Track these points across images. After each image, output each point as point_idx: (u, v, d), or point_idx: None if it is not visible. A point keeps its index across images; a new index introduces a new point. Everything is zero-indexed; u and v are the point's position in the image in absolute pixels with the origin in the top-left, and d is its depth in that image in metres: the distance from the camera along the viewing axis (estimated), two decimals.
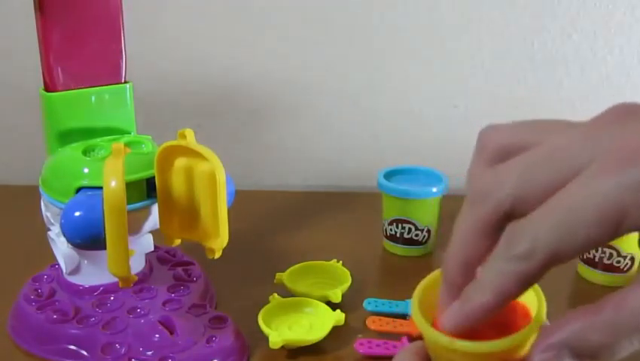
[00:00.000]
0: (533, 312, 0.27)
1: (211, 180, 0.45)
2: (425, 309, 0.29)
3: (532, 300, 0.28)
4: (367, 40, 0.86)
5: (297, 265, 0.62)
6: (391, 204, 0.69)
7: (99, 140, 0.51)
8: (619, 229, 0.23)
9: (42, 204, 0.52)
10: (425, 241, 0.69)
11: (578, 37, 0.84)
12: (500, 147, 0.28)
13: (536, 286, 0.27)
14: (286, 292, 0.58)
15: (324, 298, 0.57)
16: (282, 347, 0.50)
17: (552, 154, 0.24)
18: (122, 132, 0.54)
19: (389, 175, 0.71)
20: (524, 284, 0.24)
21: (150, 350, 0.48)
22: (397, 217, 0.69)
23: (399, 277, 0.67)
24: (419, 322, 0.29)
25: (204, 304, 0.54)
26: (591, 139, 0.24)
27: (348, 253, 0.66)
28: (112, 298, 0.53)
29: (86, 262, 0.53)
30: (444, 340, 0.27)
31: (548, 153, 0.24)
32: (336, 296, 0.57)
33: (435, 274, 0.31)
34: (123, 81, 0.53)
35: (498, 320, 0.27)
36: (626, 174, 0.22)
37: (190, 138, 0.45)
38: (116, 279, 0.46)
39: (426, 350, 0.31)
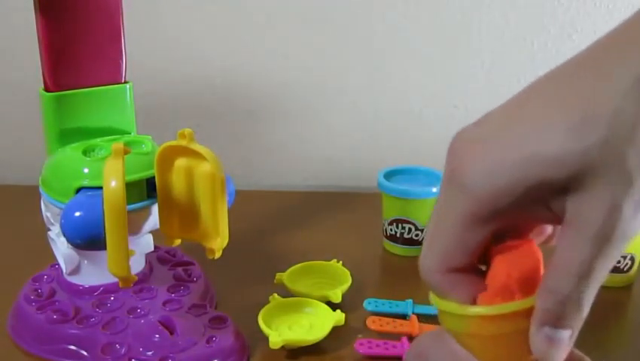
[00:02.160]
0: None
1: (211, 180, 0.45)
2: None
3: None
4: (367, 40, 0.86)
5: (297, 265, 0.62)
6: (391, 204, 0.69)
7: (99, 140, 0.51)
8: None
9: (42, 204, 0.52)
10: None
11: (578, 37, 0.84)
12: None
13: None
14: (286, 292, 0.58)
15: (324, 298, 0.57)
16: (282, 347, 0.50)
17: None
18: (122, 132, 0.54)
19: (389, 175, 0.71)
20: None
21: (150, 350, 0.48)
22: (397, 217, 0.69)
23: (399, 277, 0.67)
24: (435, 300, 0.29)
25: (204, 304, 0.54)
26: None
27: (348, 253, 0.66)
28: (112, 298, 0.53)
29: (86, 262, 0.53)
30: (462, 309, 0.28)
31: None
32: (336, 296, 0.57)
33: None
34: (123, 81, 0.53)
35: None
36: None
37: (190, 138, 0.45)
38: (116, 279, 0.46)
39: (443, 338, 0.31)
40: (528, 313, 0.27)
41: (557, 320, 0.26)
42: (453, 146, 0.29)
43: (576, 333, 0.27)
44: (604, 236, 0.25)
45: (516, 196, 0.26)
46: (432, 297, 0.30)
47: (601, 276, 0.26)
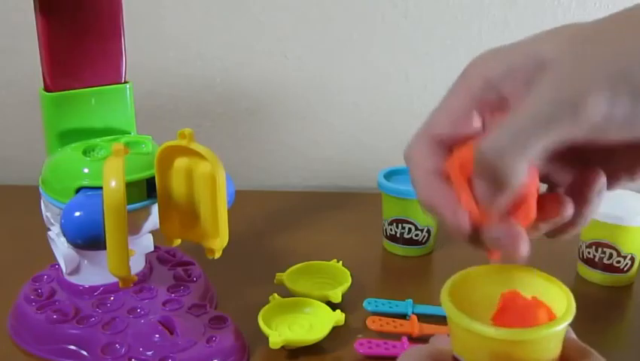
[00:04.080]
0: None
1: (211, 180, 0.45)
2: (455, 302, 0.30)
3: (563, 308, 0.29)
4: (366, 40, 0.86)
5: (297, 265, 0.62)
6: (391, 204, 0.69)
7: (99, 140, 0.51)
8: None
9: (42, 204, 0.52)
10: (425, 241, 0.69)
11: None
12: None
13: (568, 292, 0.29)
14: (286, 292, 0.58)
15: (324, 298, 0.57)
16: (282, 347, 0.50)
17: None
18: (122, 132, 0.54)
19: (389, 175, 0.71)
20: None
21: (150, 350, 0.48)
22: (397, 217, 0.69)
23: (399, 277, 0.67)
24: (445, 304, 0.30)
25: (204, 304, 0.54)
26: None
27: (348, 253, 0.66)
28: (112, 298, 0.53)
29: (86, 262, 0.53)
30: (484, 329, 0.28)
31: None
32: (336, 296, 0.57)
33: (463, 272, 0.32)
34: (123, 81, 0.53)
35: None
36: None
37: (190, 138, 0.45)
38: (116, 279, 0.46)
39: (435, 347, 0.31)
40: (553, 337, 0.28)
41: (493, 151, 0.28)
42: (468, 64, 0.32)
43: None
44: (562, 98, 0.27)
45: (501, 70, 0.30)
46: (446, 304, 0.30)
47: (530, 143, 0.27)
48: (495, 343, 0.27)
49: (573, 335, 0.31)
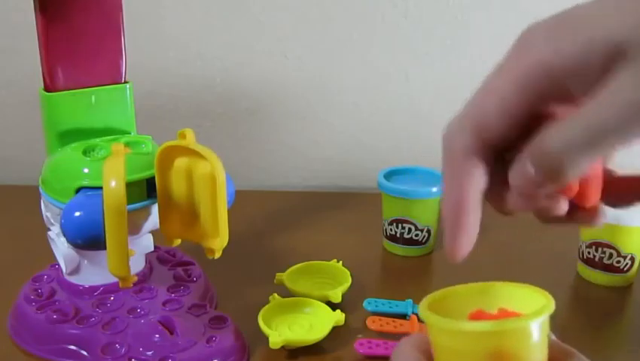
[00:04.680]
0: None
1: (211, 180, 0.45)
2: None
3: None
4: (366, 40, 0.86)
5: (297, 265, 0.62)
6: (391, 204, 0.69)
7: (98, 140, 0.51)
8: None
9: (42, 204, 0.52)
10: (425, 241, 0.69)
11: None
12: None
13: (549, 297, 0.29)
14: (286, 292, 0.58)
15: (324, 298, 0.57)
16: (282, 347, 0.50)
17: None
18: (122, 132, 0.54)
19: (389, 175, 0.71)
20: None
21: (150, 350, 0.48)
22: (397, 217, 0.69)
23: (399, 277, 0.67)
24: (423, 311, 0.29)
25: (204, 304, 0.54)
26: None
27: (348, 253, 0.66)
28: (112, 298, 0.53)
29: (86, 262, 0.53)
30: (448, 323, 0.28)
31: None
32: (336, 296, 0.57)
33: (442, 291, 0.32)
34: (123, 81, 0.53)
35: None
36: None
37: (190, 138, 0.45)
38: (116, 279, 0.46)
39: (426, 343, 0.31)
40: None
41: (562, 148, 0.26)
42: (522, 33, 0.31)
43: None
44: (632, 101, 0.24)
45: (574, 58, 0.26)
46: (423, 312, 0.29)
47: (603, 142, 0.25)
48: (480, 340, 0.27)
49: (554, 338, 0.31)
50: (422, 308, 0.30)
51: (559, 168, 0.26)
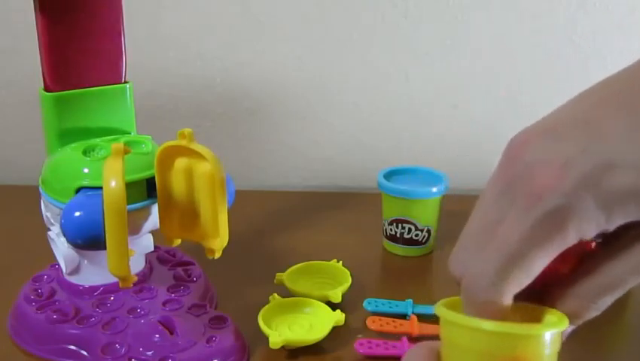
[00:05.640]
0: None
1: (211, 180, 0.45)
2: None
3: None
4: (366, 40, 0.86)
5: (297, 265, 0.62)
6: (391, 204, 0.69)
7: (99, 140, 0.51)
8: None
9: (42, 204, 0.52)
10: (425, 241, 0.69)
11: (578, 37, 0.84)
12: None
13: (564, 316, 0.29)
14: (286, 292, 0.58)
15: (324, 298, 0.57)
16: (282, 347, 0.50)
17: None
18: (122, 132, 0.54)
19: (389, 175, 0.71)
20: None
21: (150, 350, 0.48)
22: (397, 217, 0.69)
23: (399, 277, 0.67)
24: (441, 310, 0.30)
25: (204, 304, 0.54)
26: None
27: (348, 253, 0.66)
28: (112, 298, 0.53)
29: (86, 262, 0.53)
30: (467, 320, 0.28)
31: None
32: (336, 296, 0.57)
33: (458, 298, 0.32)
34: (123, 81, 0.53)
35: None
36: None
37: (190, 138, 0.45)
38: (116, 279, 0.46)
39: (435, 350, 0.31)
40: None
41: (574, 320, 0.29)
42: (515, 155, 0.28)
43: None
44: None
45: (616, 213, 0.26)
46: (441, 310, 0.29)
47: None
48: (499, 341, 0.27)
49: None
50: (439, 307, 0.30)
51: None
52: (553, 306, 0.30)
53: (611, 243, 0.28)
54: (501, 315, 0.28)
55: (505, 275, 0.27)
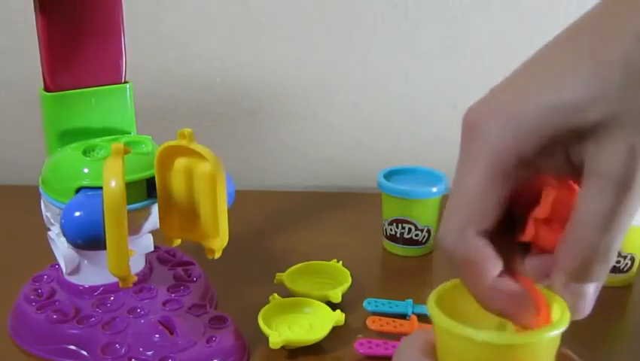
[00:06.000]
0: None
1: (211, 180, 0.45)
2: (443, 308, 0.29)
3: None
4: (366, 40, 0.86)
5: (297, 265, 0.62)
6: (391, 204, 0.69)
7: (99, 140, 0.51)
8: None
9: (42, 204, 0.52)
10: (425, 241, 0.69)
11: None
12: None
13: (563, 303, 0.28)
14: (286, 292, 0.58)
15: (324, 298, 0.56)
16: (282, 347, 0.50)
17: None
18: (122, 132, 0.54)
19: (389, 175, 0.71)
20: None
21: (150, 350, 0.48)
22: (397, 217, 0.69)
23: (399, 277, 0.67)
24: (432, 310, 0.29)
25: (204, 304, 0.54)
26: None
27: (348, 253, 0.66)
28: (112, 298, 0.53)
29: (86, 262, 0.53)
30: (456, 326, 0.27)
31: None
32: (336, 296, 0.57)
33: (451, 282, 0.31)
34: (123, 81, 0.53)
35: None
36: None
37: (190, 138, 0.45)
38: (116, 279, 0.46)
39: (427, 341, 0.30)
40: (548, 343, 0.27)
41: (584, 275, 0.27)
42: (467, 115, 0.29)
43: (601, 284, 0.27)
44: (625, 183, 0.25)
45: (537, 145, 0.26)
46: (433, 310, 0.29)
47: (626, 225, 0.26)
48: (488, 349, 0.27)
49: (569, 352, 0.31)
50: (431, 305, 0.29)
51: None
52: (561, 268, 0.28)
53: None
54: (490, 275, 0.27)
55: (464, 217, 0.28)
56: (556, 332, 0.27)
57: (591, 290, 0.27)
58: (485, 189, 0.27)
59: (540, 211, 0.28)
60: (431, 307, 0.29)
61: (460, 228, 0.28)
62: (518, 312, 0.28)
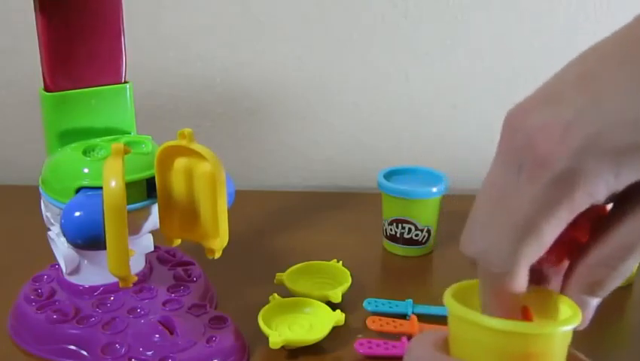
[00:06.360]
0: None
1: (211, 180, 0.45)
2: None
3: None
4: (366, 40, 0.86)
5: (297, 265, 0.62)
6: (391, 204, 0.69)
7: (99, 140, 0.51)
8: None
9: (42, 204, 0.52)
10: (425, 241, 0.69)
11: (578, 38, 0.84)
12: None
13: (575, 306, 0.29)
14: (286, 292, 0.58)
15: (324, 298, 0.56)
16: (282, 347, 0.50)
17: None
18: (122, 132, 0.54)
19: (389, 175, 0.71)
20: None
21: (150, 350, 0.48)
22: (397, 217, 0.69)
23: (399, 277, 0.67)
24: (450, 303, 0.29)
25: (204, 304, 0.54)
26: None
27: (348, 253, 0.66)
28: (112, 298, 0.53)
29: (86, 262, 0.53)
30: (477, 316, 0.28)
31: None
32: (336, 296, 0.57)
33: (466, 283, 0.32)
34: (123, 81, 0.53)
35: None
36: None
37: (190, 138, 0.45)
38: (116, 279, 0.46)
39: (442, 339, 0.30)
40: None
41: (598, 290, 0.28)
42: (515, 125, 0.27)
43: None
44: None
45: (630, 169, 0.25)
46: (449, 301, 0.29)
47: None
48: (501, 339, 0.27)
49: (578, 353, 0.31)
50: (448, 298, 0.30)
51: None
52: (577, 280, 0.29)
53: (623, 203, 0.27)
54: (517, 296, 0.28)
55: (518, 245, 0.27)
56: (570, 327, 0.28)
57: (595, 302, 0.29)
58: (557, 224, 0.26)
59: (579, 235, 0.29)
60: (447, 299, 0.30)
61: (512, 253, 0.27)
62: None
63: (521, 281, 0.28)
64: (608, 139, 0.24)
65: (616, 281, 0.27)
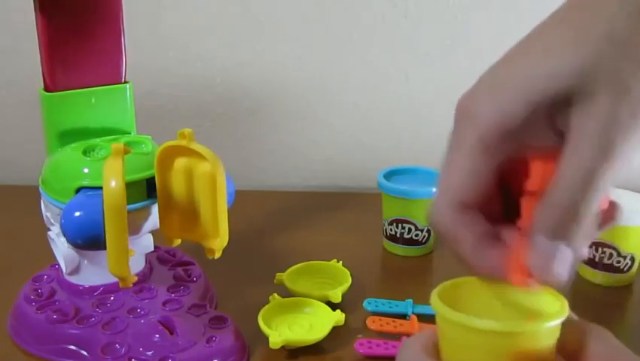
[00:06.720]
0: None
1: (211, 180, 0.45)
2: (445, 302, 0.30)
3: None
4: (366, 40, 0.86)
5: (297, 265, 0.62)
6: (391, 204, 0.69)
7: (99, 140, 0.51)
8: None
9: (42, 204, 0.52)
10: (425, 241, 0.69)
11: None
12: None
13: (562, 297, 0.29)
14: (286, 292, 0.58)
15: (324, 298, 0.57)
16: (282, 347, 0.50)
17: None
18: (122, 132, 0.54)
19: (389, 175, 0.71)
20: None
21: (150, 350, 0.48)
22: (397, 217, 0.69)
23: (399, 277, 0.67)
24: (436, 304, 0.30)
25: (204, 304, 0.54)
26: None
27: (348, 253, 0.66)
28: (112, 298, 0.53)
29: (86, 262, 0.53)
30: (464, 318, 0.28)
31: None
32: (336, 296, 0.57)
33: (453, 281, 0.32)
34: (123, 81, 0.53)
35: None
36: None
37: (190, 138, 0.45)
38: (116, 279, 0.46)
39: (431, 341, 0.31)
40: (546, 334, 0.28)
41: (557, 233, 0.27)
42: (459, 102, 0.31)
43: (578, 251, 0.28)
44: (604, 145, 0.25)
45: (521, 115, 0.27)
46: (435, 302, 0.29)
47: (602, 187, 0.26)
48: (494, 338, 0.27)
49: (574, 317, 0.31)
50: (434, 299, 0.30)
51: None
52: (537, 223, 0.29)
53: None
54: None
55: (443, 191, 0.30)
56: (555, 322, 0.28)
57: (563, 253, 0.27)
58: (467, 164, 0.29)
59: (529, 184, 0.29)
60: (434, 301, 0.30)
61: (439, 202, 0.30)
62: (504, 272, 0.29)
63: (456, 225, 0.29)
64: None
65: (573, 222, 0.27)
